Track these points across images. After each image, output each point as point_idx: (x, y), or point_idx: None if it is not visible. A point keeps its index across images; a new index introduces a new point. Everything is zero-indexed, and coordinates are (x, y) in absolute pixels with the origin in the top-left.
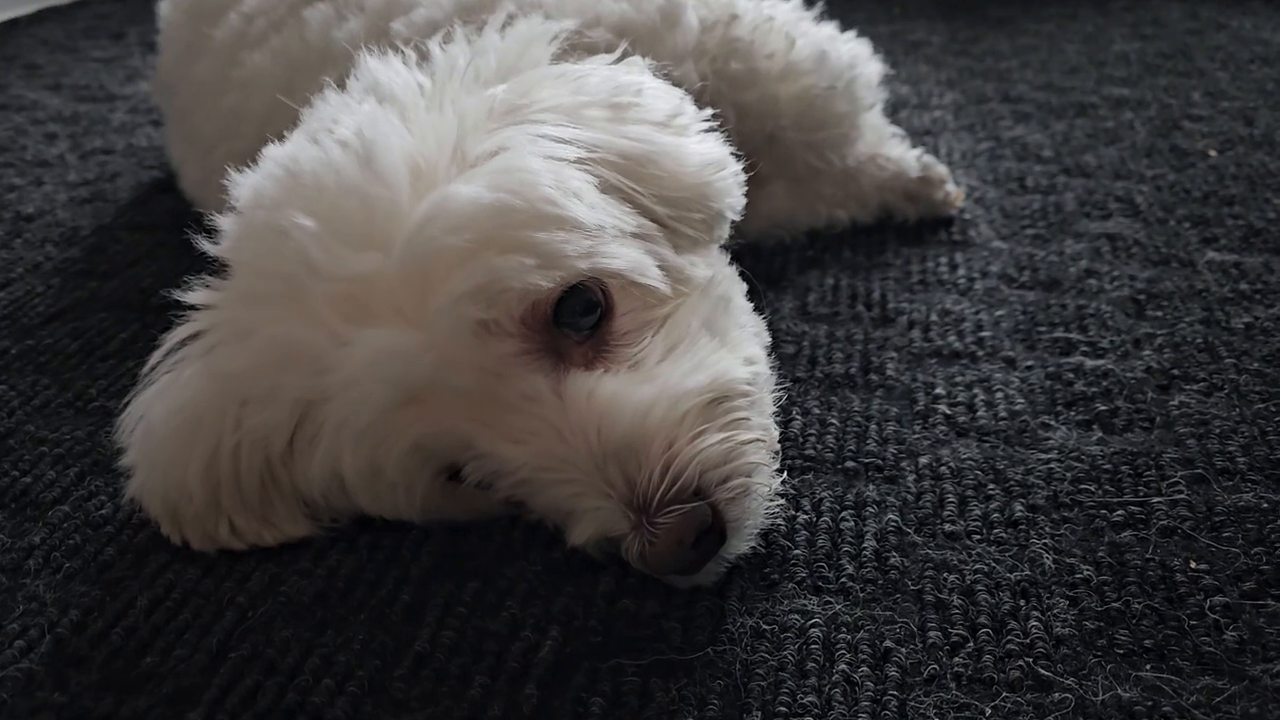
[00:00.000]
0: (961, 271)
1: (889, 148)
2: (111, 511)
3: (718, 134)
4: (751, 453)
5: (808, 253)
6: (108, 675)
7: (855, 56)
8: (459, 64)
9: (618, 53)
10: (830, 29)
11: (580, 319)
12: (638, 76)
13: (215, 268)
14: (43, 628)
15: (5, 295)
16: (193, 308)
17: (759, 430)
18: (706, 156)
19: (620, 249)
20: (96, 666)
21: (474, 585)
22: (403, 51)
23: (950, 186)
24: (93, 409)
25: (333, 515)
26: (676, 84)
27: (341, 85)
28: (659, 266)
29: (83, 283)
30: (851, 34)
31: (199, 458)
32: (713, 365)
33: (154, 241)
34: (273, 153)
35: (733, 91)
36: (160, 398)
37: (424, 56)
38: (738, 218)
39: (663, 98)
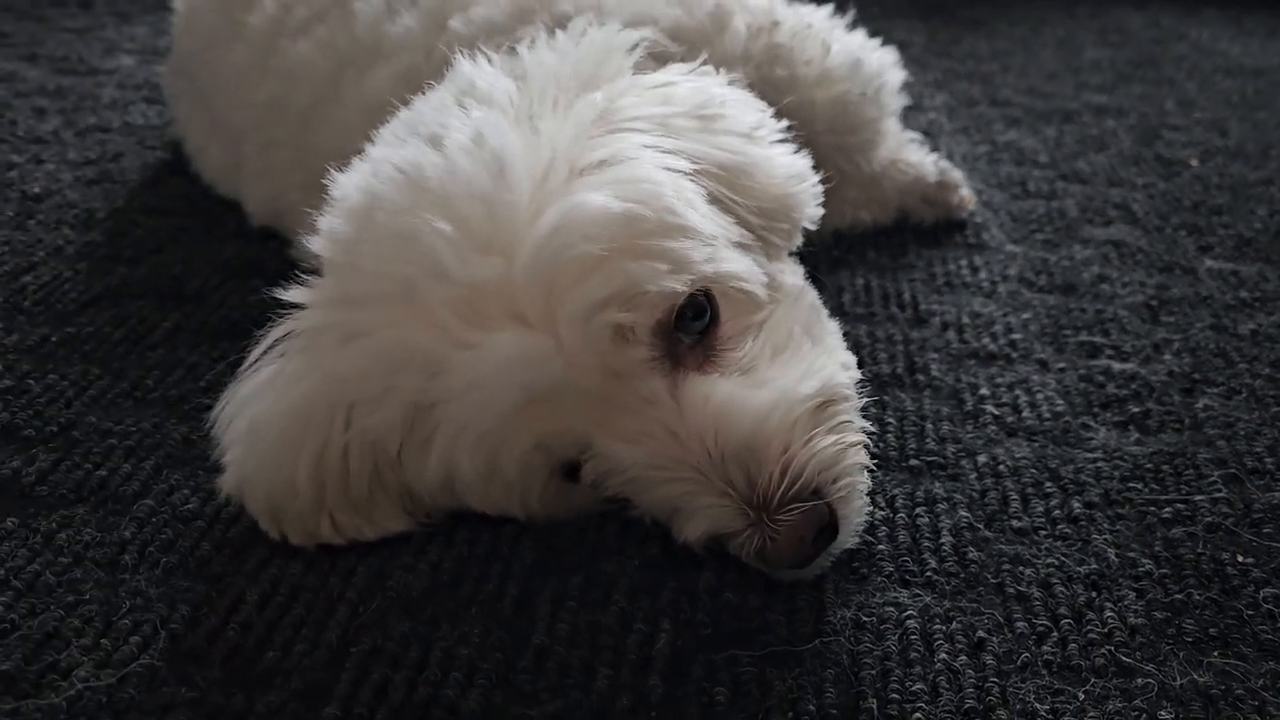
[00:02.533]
0: (983, 274)
1: (908, 152)
2: (199, 505)
3: (791, 145)
4: (855, 454)
5: (834, 253)
6: (231, 671)
7: (883, 64)
8: (552, 71)
9: (697, 63)
10: (860, 36)
11: (692, 324)
12: (722, 88)
13: (303, 268)
14: (154, 624)
15: (33, 279)
16: (294, 306)
17: (859, 433)
18: (791, 169)
19: (733, 255)
20: (219, 663)
21: (577, 580)
22: (487, 55)
23: (964, 191)
24: (152, 399)
25: (430, 511)
26: None
27: (399, 82)
28: (760, 274)
29: (111, 268)
30: (878, 41)
31: (308, 457)
32: (820, 371)
33: (174, 226)
34: (386, 155)
35: (775, 97)
36: (263, 396)
37: (499, 57)
38: (814, 227)
39: (746, 109)
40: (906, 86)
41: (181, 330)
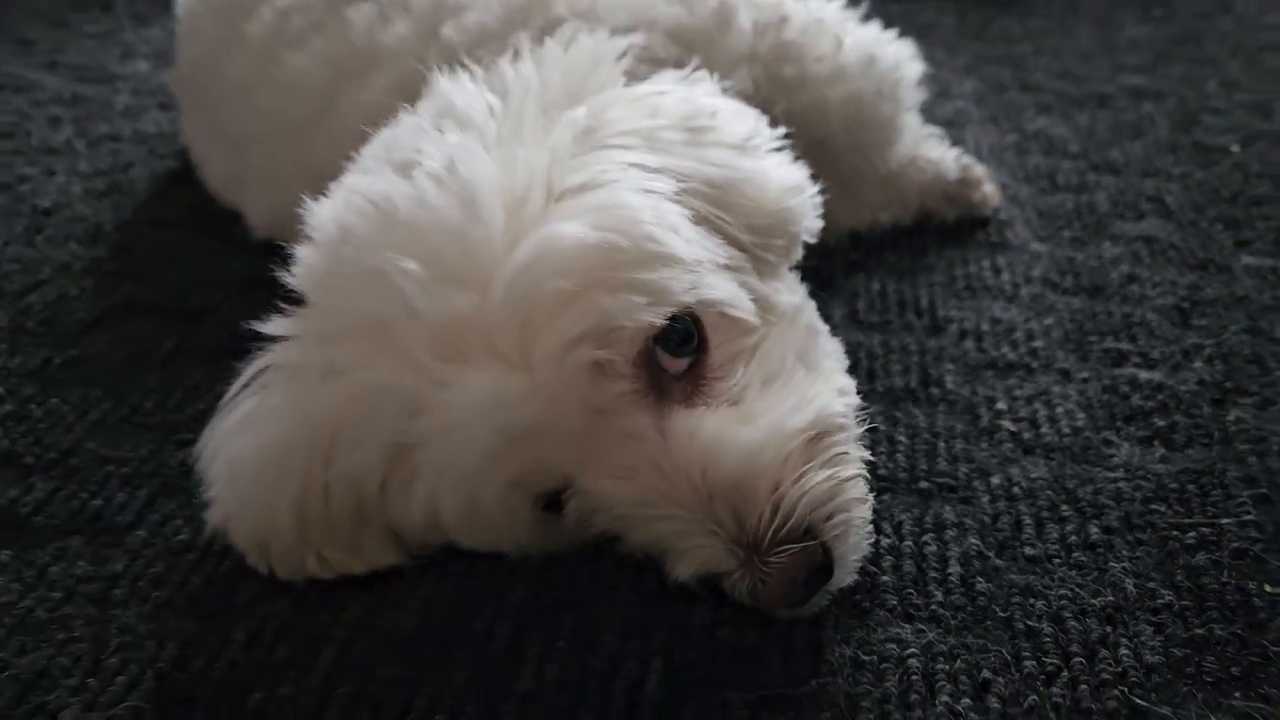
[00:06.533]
0: (1005, 276)
1: (927, 149)
2: (190, 537)
3: (788, 153)
4: (853, 488)
5: (850, 256)
6: (214, 715)
7: (900, 57)
8: (533, 87)
9: (688, 69)
10: (875, 29)
11: (677, 350)
12: (712, 98)
13: (283, 293)
14: (142, 663)
15: (39, 298)
16: (271, 339)
17: (856, 464)
18: (786, 181)
19: (718, 280)
20: (203, 706)
21: (569, 618)
22: (469, 69)
23: (987, 187)
24: (152, 424)
25: (422, 546)
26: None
27: (394, 91)
28: (750, 297)
29: (116, 285)
30: (893, 33)
31: (288, 499)
32: (813, 401)
33: (180, 239)
34: (358, 185)
35: (784, 97)
36: (243, 432)
37: (487, 69)
38: (813, 240)
39: (738, 119)
40: (933, 72)
41: (182, 350)
